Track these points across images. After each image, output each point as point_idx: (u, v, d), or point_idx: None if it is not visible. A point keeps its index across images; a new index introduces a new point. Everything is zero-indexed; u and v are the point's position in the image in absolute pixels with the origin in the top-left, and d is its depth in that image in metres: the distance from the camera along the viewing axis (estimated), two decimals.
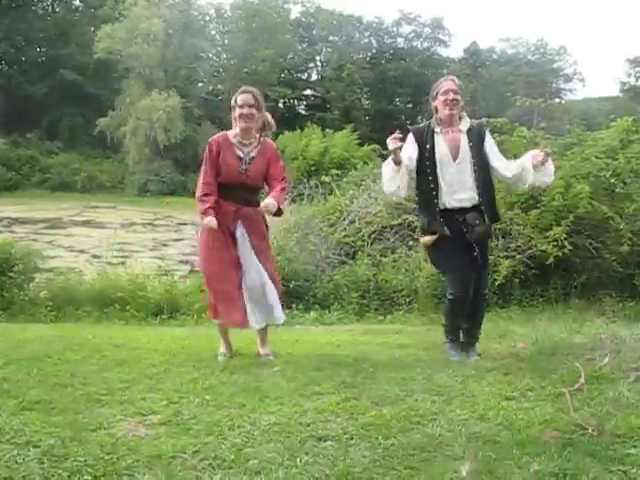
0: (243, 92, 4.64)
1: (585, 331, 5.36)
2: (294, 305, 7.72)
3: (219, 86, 52.89)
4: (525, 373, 4.06)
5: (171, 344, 4.90)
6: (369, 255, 8.71)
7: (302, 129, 37.67)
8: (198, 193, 4.54)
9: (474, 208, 4.58)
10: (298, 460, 2.65)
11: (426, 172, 4.59)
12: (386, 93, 55.80)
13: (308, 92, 59.38)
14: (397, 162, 4.50)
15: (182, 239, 19.98)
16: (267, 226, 4.80)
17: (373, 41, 61.35)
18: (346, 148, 32.46)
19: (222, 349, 4.72)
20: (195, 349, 4.83)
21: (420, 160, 4.61)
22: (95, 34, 45.33)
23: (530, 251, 7.61)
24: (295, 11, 59.78)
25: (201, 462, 2.62)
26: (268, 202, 4.43)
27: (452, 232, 4.54)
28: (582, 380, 3.67)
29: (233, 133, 4.65)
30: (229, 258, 4.51)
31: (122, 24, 44.88)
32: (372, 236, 9.13)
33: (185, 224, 21.07)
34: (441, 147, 4.60)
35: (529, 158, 4.58)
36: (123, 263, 10.88)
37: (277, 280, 4.73)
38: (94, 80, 48.45)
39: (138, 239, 19.82)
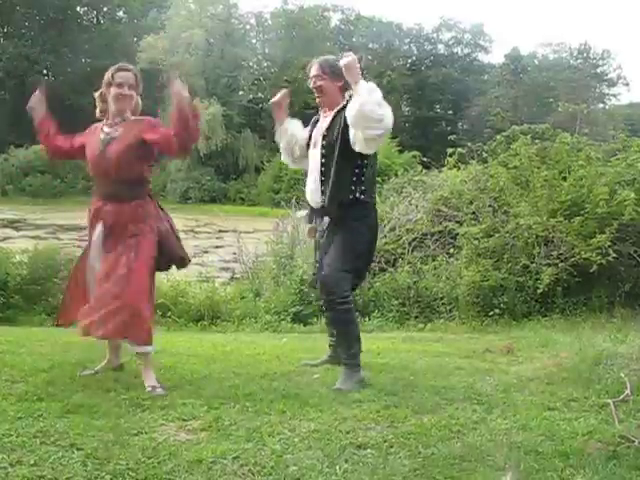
0: (122, 69, 3.78)
1: (630, 341, 5.24)
2: None
3: (259, 94, 53.17)
4: (568, 383, 4.00)
5: (211, 350, 4.92)
6: (409, 262, 8.66)
7: None
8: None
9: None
10: (337, 468, 2.65)
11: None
12: (426, 100, 55.53)
13: None
14: (277, 118, 4.41)
15: (223, 246, 20.10)
16: (143, 229, 3.73)
17: (413, 48, 61.13)
18: (386, 155, 32.27)
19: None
20: (235, 355, 4.85)
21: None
22: (138, 45, 46.11)
23: (573, 259, 7.47)
24: (335, 19, 59.94)
25: (241, 468, 2.63)
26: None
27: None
28: (627, 391, 3.59)
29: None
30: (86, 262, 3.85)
31: (164, 34, 45.60)
32: (412, 243, 9.08)
33: (226, 231, 21.19)
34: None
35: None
36: None
37: (127, 300, 3.59)
38: None
39: None
